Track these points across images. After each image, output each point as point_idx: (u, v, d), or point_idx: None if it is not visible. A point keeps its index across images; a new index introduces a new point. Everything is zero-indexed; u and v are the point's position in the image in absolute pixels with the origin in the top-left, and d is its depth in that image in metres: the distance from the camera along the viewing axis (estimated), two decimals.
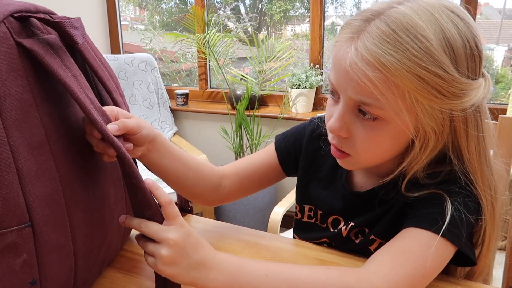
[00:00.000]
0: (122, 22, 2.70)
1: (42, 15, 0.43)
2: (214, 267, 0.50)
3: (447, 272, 0.62)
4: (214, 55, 2.07)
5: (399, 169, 0.58)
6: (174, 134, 2.36)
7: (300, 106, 2.10)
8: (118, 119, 0.52)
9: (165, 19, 2.86)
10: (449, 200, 0.55)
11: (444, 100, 0.50)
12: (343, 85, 0.54)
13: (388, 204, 0.63)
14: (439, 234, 0.52)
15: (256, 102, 2.13)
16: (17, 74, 0.41)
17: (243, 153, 2.14)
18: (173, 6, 2.85)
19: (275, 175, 0.77)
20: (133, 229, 0.71)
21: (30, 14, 0.42)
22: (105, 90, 0.54)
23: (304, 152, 0.75)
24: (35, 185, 0.41)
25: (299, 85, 2.05)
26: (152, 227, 0.49)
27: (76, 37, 0.45)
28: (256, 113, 2.08)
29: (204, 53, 2.15)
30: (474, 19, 0.55)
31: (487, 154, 0.58)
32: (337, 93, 0.56)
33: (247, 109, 2.05)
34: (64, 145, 0.46)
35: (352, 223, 0.67)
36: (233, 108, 2.19)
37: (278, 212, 1.75)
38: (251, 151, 2.10)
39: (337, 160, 0.62)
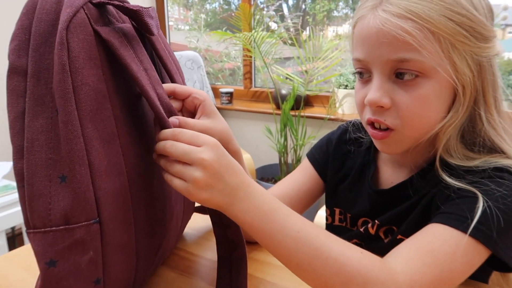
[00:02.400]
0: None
1: (117, 2, 0.42)
2: (247, 198, 0.45)
3: (479, 277, 0.57)
4: (260, 54, 2.05)
5: (439, 126, 0.55)
6: None
7: (347, 107, 2.04)
8: (196, 110, 0.52)
9: (209, 19, 2.88)
10: (483, 197, 0.50)
11: (475, 43, 0.52)
12: (375, 52, 0.53)
13: (414, 200, 0.60)
14: (468, 234, 0.48)
15: (302, 102, 2.09)
16: (93, 63, 0.40)
17: (287, 153, 2.11)
18: (216, 6, 2.87)
19: (318, 188, 0.78)
20: (186, 228, 0.71)
21: (108, 0, 0.41)
22: (172, 83, 0.53)
23: (332, 156, 0.76)
24: (105, 180, 0.40)
25: (347, 86, 1.99)
26: (181, 147, 0.43)
27: (152, 27, 0.44)
28: (302, 113, 2.05)
29: (250, 51, 2.14)
30: None
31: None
32: (367, 69, 0.56)
33: (292, 109, 2.02)
34: (132, 139, 0.44)
35: (378, 222, 0.65)
36: (278, 107, 2.17)
37: (321, 216, 1.71)
38: (295, 152, 2.06)
39: (379, 145, 0.60)
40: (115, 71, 0.42)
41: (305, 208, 0.78)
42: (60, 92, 0.37)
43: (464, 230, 0.48)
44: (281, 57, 2.50)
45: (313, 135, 2.07)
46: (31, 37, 0.38)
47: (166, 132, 0.45)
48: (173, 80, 0.53)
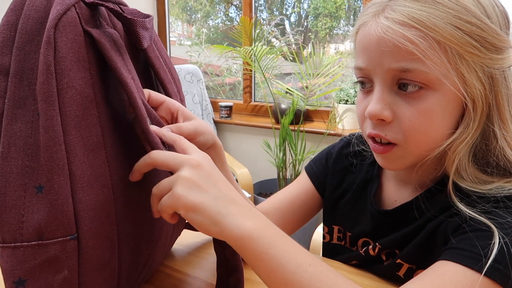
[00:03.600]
0: (171, 38, 2.77)
1: (112, 5, 0.39)
2: (250, 216, 0.39)
3: None
4: (260, 68, 2.04)
5: (449, 141, 0.50)
6: None
7: (347, 122, 2.02)
8: (176, 117, 0.49)
9: (211, 35, 2.89)
10: (498, 232, 0.45)
11: (486, 54, 0.48)
12: (377, 60, 0.50)
13: (419, 224, 0.56)
14: (483, 274, 0.43)
15: (302, 116, 2.07)
16: (81, 65, 0.37)
17: (285, 168, 2.08)
18: (219, 22, 2.88)
19: (315, 203, 0.74)
20: (175, 245, 0.68)
21: (102, 2, 0.39)
22: (165, 93, 0.50)
23: (331, 170, 0.72)
24: (86, 192, 0.37)
25: (347, 101, 1.97)
26: (169, 152, 0.40)
27: (143, 40, 0.42)
28: (301, 128, 2.02)
29: (250, 65, 2.13)
30: None
31: None
32: (369, 79, 0.53)
33: (291, 123, 1.99)
34: (119, 149, 0.41)
35: (379, 245, 0.61)
36: (277, 122, 2.14)
37: (320, 233, 1.67)
38: (294, 167, 2.03)
39: (380, 160, 0.56)
40: (103, 75, 0.40)
41: (299, 225, 0.74)
42: (43, 94, 0.34)
43: (479, 269, 0.43)
44: (281, 73, 2.50)
45: (313, 150, 2.05)
46: (17, 34, 0.35)
47: (168, 137, 0.42)
48: (166, 90, 0.50)
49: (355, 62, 0.55)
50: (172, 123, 0.50)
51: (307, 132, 2.06)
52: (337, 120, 2.03)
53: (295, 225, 0.73)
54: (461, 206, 0.50)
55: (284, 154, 2.05)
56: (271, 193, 2.18)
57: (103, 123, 0.39)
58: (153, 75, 0.50)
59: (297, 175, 2.04)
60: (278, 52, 2.13)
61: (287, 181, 2.10)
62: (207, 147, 0.53)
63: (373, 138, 0.54)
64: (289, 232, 0.71)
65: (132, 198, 0.43)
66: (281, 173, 2.08)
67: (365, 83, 0.54)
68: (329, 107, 2.15)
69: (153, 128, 0.42)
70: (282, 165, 2.06)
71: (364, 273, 0.63)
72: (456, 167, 0.51)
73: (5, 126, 0.35)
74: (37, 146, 0.35)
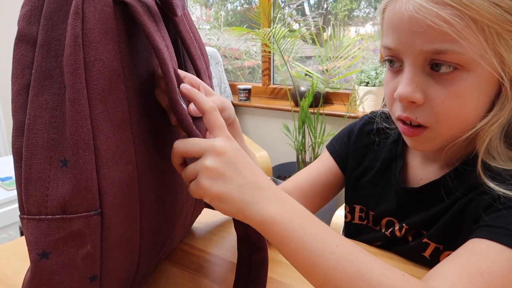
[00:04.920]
0: None
1: None
2: (277, 200, 0.38)
3: None
4: (280, 50, 2.01)
5: (481, 125, 0.48)
6: None
7: (367, 105, 1.98)
8: None
9: (229, 18, 2.86)
10: None
11: None
12: (408, 40, 0.47)
13: (447, 203, 0.54)
14: None
15: (321, 99, 2.04)
16: (110, 38, 0.35)
17: (305, 151, 2.06)
18: (237, 5, 2.85)
19: (337, 181, 0.73)
20: (195, 223, 0.68)
21: None
22: (194, 69, 0.49)
23: (353, 148, 0.70)
24: (111, 168, 0.36)
25: (368, 83, 1.94)
26: (191, 140, 0.39)
27: (177, 8, 0.40)
28: (321, 111, 2.00)
29: (268, 46, 2.10)
30: None
31: None
32: (399, 58, 0.50)
33: (311, 106, 1.97)
34: (145, 126, 0.40)
35: (406, 226, 0.59)
36: (296, 105, 2.13)
37: (340, 216, 1.66)
38: (313, 150, 2.02)
39: (409, 142, 0.54)
40: (133, 49, 0.38)
41: (322, 204, 0.73)
42: (70, 66, 0.33)
43: None
44: (302, 56, 2.46)
45: (332, 133, 2.02)
46: (45, 3, 0.34)
47: (206, 104, 0.40)
48: (195, 66, 0.49)
49: (382, 39, 0.53)
50: None
51: (326, 115, 2.03)
52: (358, 102, 1.99)
53: (318, 205, 0.72)
54: (492, 185, 0.48)
55: (304, 137, 2.03)
56: (290, 176, 2.17)
57: (130, 99, 0.38)
58: (182, 49, 0.49)
59: (316, 158, 2.03)
60: (299, 33, 2.09)
61: (306, 164, 2.09)
62: (229, 123, 0.52)
63: (402, 121, 0.52)
64: (312, 212, 0.70)
65: (155, 176, 0.43)
66: (300, 156, 2.07)
67: (394, 62, 0.52)
68: (349, 89, 2.11)
69: (188, 89, 0.41)
70: (301, 148, 2.05)
71: (387, 253, 0.62)
72: (487, 147, 0.49)
73: (31, 97, 0.34)
74: (63, 119, 0.34)
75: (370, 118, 0.71)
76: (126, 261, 0.41)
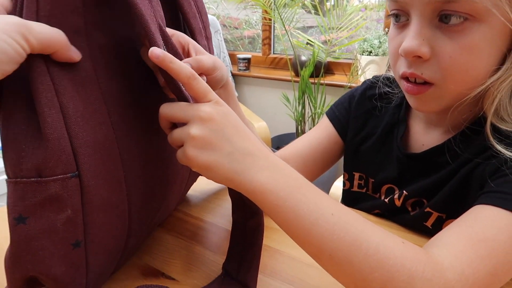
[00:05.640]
0: None
1: None
2: (268, 168, 0.36)
3: None
4: (281, 18, 1.95)
5: (491, 81, 0.45)
6: None
7: (369, 75, 1.94)
8: (188, 51, 0.43)
9: None
10: None
11: None
12: None
13: (452, 168, 0.52)
14: None
15: (322, 69, 1.99)
16: None
17: (304, 122, 2.03)
18: None
19: (337, 148, 0.70)
20: (190, 191, 0.66)
21: None
22: (188, 30, 0.45)
23: (354, 113, 0.68)
24: (82, 128, 0.34)
25: (371, 52, 1.88)
26: (177, 104, 0.37)
27: None
28: (321, 81, 1.96)
29: (269, 13, 2.03)
30: None
31: None
32: (405, 11, 0.47)
33: (311, 76, 1.93)
34: (119, 86, 0.38)
35: (406, 193, 0.57)
36: (297, 75, 2.08)
37: (338, 187, 1.64)
38: (313, 121, 1.99)
39: (413, 102, 0.51)
40: (101, 3, 0.35)
41: (321, 171, 0.71)
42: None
43: None
44: (304, 26, 2.39)
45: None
46: None
47: (182, 73, 0.35)
48: (189, 25, 0.46)
49: None
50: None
51: (327, 85, 1.99)
52: (359, 72, 1.95)
53: (317, 172, 0.70)
54: (500, 148, 0.46)
55: (303, 107, 2.00)
56: None
57: (94, 57, 0.35)
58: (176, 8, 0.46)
59: None
60: (299, 1, 2.02)
61: None
62: (222, 84, 0.49)
63: (406, 78, 0.49)
64: (310, 180, 0.68)
65: (139, 140, 0.40)
66: (299, 127, 2.05)
67: (400, 16, 0.49)
68: (351, 59, 2.06)
69: (159, 57, 0.35)
70: (300, 118, 2.02)
71: (387, 222, 0.61)
72: (496, 107, 0.46)
73: None
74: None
75: (372, 83, 0.68)
76: (114, 227, 0.39)
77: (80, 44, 0.34)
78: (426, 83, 0.48)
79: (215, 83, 0.46)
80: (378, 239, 0.36)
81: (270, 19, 2.23)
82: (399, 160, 0.60)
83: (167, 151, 0.45)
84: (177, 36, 0.44)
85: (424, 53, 0.45)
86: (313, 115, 1.98)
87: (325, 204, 0.36)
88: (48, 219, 0.33)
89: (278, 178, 0.36)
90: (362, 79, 1.97)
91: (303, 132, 2.05)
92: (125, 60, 0.39)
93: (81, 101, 0.34)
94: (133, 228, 0.42)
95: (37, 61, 0.31)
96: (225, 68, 0.48)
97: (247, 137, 0.37)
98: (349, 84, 1.92)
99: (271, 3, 1.95)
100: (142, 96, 0.40)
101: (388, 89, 0.65)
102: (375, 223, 0.53)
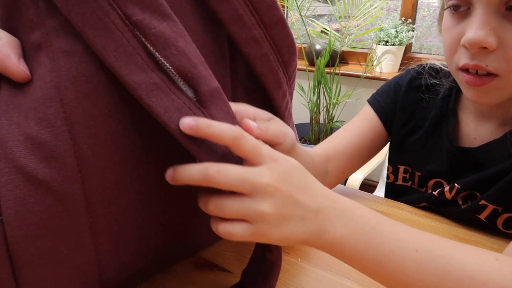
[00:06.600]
0: None
1: None
2: (339, 218, 0.33)
3: None
4: (296, 4, 1.92)
5: None
6: None
7: (385, 65, 1.91)
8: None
9: None
10: None
11: None
12: None
13: (509, 163, 0.51)
14: None
15: (337, 58, 1.97)
16: None
17: (319, 112, 2.01)
18: None
19: (381, 140, 0.68)
20: None
21: None
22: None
23: (400, 104, 0.65)
24: (5, 164, 0.28)
25: (387, 42, 1.86)
26: (232, 171, 0.30)
27: None
28: (336, 71, 1.93)
29: (283, 1, 2.00)
30: None
31: None
32: (466, 0, 0.45)
33: (326, 66, 1.90)
34: (91, 105, 0.30)
35: (458, 186, 0.55)
36: (310, 64, 2.05)
37: (356, 178, 1.63)
38: (328, 111, 1.97)
39: (472, 94, 0.49)
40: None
41: (364, 163, 0.68)
42: None
43: None
44: (314, 14, 2.36)
45: (348, 94, 1.97)
46: None
47: (225, 135, 0.30)
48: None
49: None
50: None
51: (342, 75, 1.97)
52: (375, 62, 1.92)
53: (360, 165, 0.67)
54: None
55: (318, 97, 1.97)
56: (303, 138, 2.14)
57: (57, 69, 0.29)
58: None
59: (331, 119, 1.98)
60: None
61: (320, 126, 2.05)
62: (288, 149, 0.42)
63: (466, 70, 0.47)
64: (351, 171, 0.67)
65: (117, 178, 0.32)
66: (314, 117, 2.03)
67: (460, 6, 0.46)
68: (367, 48, 2.03)
69: (192, 128, 0.30)
70: (315, 108, 2.00)
71: (435, 216, 0.59)
72: None
73: None
74: None
75: (417, 73, 0.65)
76: (67, 283, 0.32)
77: (41, 59, 0.29)
78: (489, 74, 0.46)
79: (283, 151, 0.37)
80: (470, 262, 0.33)
81: (283, 7, 2.19)
82: (449, 154, 0.58)
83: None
84: (240, 113, 0.37)
85: (490, 44, 0.43)
86: (328, 105, 1.96)
87: (406, 240, 0.34)
88: None
89: (352, 227, 0.33)
90: (377, 70, 1.95)
91: (317, 122, 2.03)
92: (106, 72, 0.30)
93: (24, 129, 0.28)
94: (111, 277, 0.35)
95: None
96: (293, 136, 0.42)
97: (314, 191, 0.34)
98: (365, 74, 1.89)
99: None
100: (132, 125, 0.32)
101: (434, 81, 0.62)
102: (421, 216, 0.52)
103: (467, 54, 0.46)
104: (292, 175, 0.33)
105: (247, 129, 0.34)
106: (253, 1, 0.34)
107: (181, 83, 0.30)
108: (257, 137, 0.33)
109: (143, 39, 0.28)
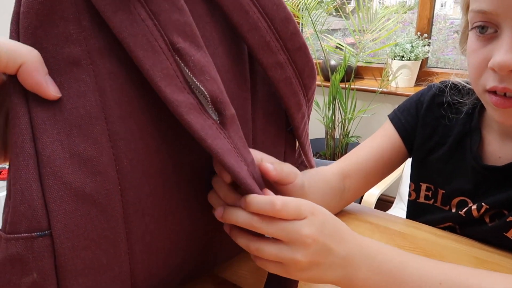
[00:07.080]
0: None
1: None
2: (364, 263, 0.36)
3: None
4: (311, 20, 1.93)
5: None
6: None
7: (401, 80, 1.90)
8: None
9: None
10: None
11: None
12: (509, 1, 0.42)
13: None
14: None
15: (353, 74, 1.97)
16: None
17: (334, 127, 2.01)
18: None
19: (400, 158, 0.67)
20: None
21: None
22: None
23: (422, 121, 0.64)
24: (61, 180, 0.29)
25: (403, 57, 1.85)
26: (277, 223, 0.34)
27: None
28: (351, 86, 1.93)
29: (298, 17, 2.02)
30: None
31: None
32: (494, 23, 0.44)
33: (341, 81, 1.91)
34: (134, 125, 0.33)
35: (486, 205, 0.55)
36: (325, 79, 2.06)
37: (373, 194, 1.61)
38: (343, 127, 1.96)
39: (499, 115, 0.49)
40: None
41: (379, 181, 0.67)
42: None
43: None
44: (328, 29, 2.38)
45: (364, 109, 1.96)
46: None
47: (260, 202, 0.33)
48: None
49: (470, 3, 0.47)
50: None
51: (358, 90, 1.97)
52: (391, 77, 1.92)
53: (376, 182, 0.67)
54: None
55: (333, 112, 1.97)
56: (317, 153, 2.13)
57: (102, 90, 0.31)
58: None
59: (346, 134, 1.98)
60: (329, 4, 2.01)
61: (335, 141, 2.04)
62: (299, 187, 0.44)
63: (494, 92, 0.47)
64: (367, 188, 0.67)
65: (156, 190, 0.35)
66: (329, 132, 2.03)
67: (487, 27, 0.46)
68: (382, 63, 2.03)
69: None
70: (331, 124, 2.00)
71: (454, 236, 0.58)
72: None
73: None
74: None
75: (439, 90, 0.64)
76: None
77: (80, 76, 0.30)
78: None
79: (293, 191, 0.42)
80: None
81: (298, 23, 2.21)
82: (475, 172, 0.57)
83: (192, 200, 0.38)
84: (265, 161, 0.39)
85: None
86: (343, 120, 1.96)
87: (430, 274, 0.35)
88: (10, 282, 0.29)
89: (376, 268, 0.36)
90: (393, 85, 1.94)
91: (332, 137, 2.03)
92: (145, 91, 0.32)
93: (68, 146, 0.30)
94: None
95: (18, 101, 0.28)
96: (299, 175, 0.43)
97: (344, 238, 0.36)
98: (380, 89, 1.89)
99: (300, 8, 1.94)
100: (165, 140, 0.35)
101: (457, 98, 0.62)
102: (443, 238, 0.51)
103: (495, 76, 0.46)
104: (327, 225, 0.35)
105: (265, 171, 0.37)
106: (278, 29, 0.38)
107: (209, 106, 0.33)
108: (273, 178, 0.38)
109: (183, 64, 0.32)
